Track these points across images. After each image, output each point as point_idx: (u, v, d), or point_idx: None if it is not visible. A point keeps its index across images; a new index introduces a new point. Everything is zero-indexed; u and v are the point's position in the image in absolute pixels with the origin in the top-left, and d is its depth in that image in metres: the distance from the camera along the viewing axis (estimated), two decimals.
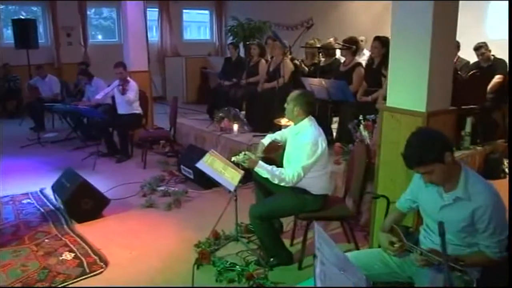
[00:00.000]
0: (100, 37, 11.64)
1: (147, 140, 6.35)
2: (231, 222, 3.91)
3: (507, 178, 5.74)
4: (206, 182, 4.91)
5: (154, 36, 11.65)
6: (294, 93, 3.39)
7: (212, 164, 3.65)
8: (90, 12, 11.00)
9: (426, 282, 2.23)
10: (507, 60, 6.13)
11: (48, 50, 10.20)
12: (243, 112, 6.50)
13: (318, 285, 1.38)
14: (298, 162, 3.17)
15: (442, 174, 2.12)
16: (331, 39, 7.27)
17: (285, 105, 3.38)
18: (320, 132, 3.29)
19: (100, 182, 5.06)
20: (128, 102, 6.31)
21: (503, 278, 2.29)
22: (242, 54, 8.75)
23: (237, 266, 3.39)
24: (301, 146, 3.21)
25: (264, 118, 5.69)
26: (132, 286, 3.22)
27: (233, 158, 3.36)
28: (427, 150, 2.07)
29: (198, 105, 9.37)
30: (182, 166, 5.43)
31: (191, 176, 5.24)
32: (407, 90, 3.00)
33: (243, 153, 3.29)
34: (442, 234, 1.75)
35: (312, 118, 3.34)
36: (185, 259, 3.58)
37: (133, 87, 6.34)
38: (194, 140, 6.70)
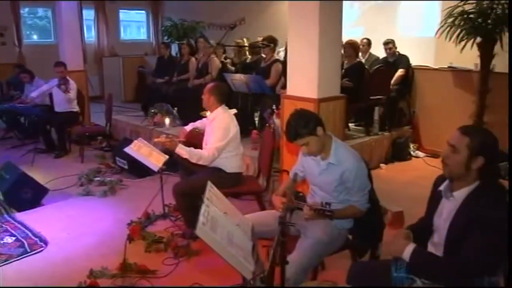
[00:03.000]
0: (35, 37, 11.62)
1: (84, 135, 6.66)
2: (161, 205, 4.40)
3: (413, 159, 6.53)
4: (139, 171, 5.36)
5: (91, 36, 11.77)
6: (209, 85, 3.91)
7: (139, 149, 4.11)
8: (24, 11, 10.97)
9: (309, 232, 2.77)
10: (409, 56, 6.90)
11: None
12: (176, 108, 6.94)
13: (201, 219, 1.88)
14: (213, 144, 3.70)
15: (317, 145, 2.68)
16: (260, 38, 7.82)
17: (202, 96, 3.88)
18: (232, 118, 3.82)
19: (39, 176, 5.33)
20: (69, 101, 6.62)
21: (369, 227, 2.90)
22: (178, 53, 9.16)
23: (164, 239, 3.89)
24: (215, 130, 3.73)
25: (193, 112, 6.13)
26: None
27: (155, 140, 3.84)
28: (302, 126, 2.62)
29: (136, 103, 9.63)
30: (117, 158, 5.82)
31: (126, 167, 5.64)
32: (302, 81, 3.57)
33: (164, 135, 3.76)
34: (293, 181, 2.29)
35: (225, 106, 3.87)
36: (119, 236, 4.01)
37: (73, 85, 6.67)
38: (130, 135, 7.07)
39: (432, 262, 2.11)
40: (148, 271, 3.43)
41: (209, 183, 2.20)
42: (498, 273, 1.95)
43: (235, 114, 4.84)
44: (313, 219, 2.67)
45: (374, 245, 2.92)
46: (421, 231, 2.34)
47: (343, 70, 6.07)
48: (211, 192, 2.14)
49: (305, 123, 2.62)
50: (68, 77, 6.66)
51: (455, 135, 2.08)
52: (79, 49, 7.81)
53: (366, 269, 2.41)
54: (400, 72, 6.66)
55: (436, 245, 2.23)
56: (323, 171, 2.77)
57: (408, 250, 2.10)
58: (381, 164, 6.13)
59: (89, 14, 11.41)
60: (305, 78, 3.50)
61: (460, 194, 2.10)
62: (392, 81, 6.57)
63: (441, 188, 2.22)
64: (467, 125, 2.12)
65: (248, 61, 6.85)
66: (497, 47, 5.79)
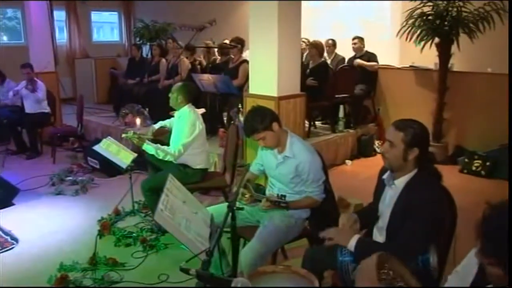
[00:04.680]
0: (5, 38, 11.51)
1: (56, 136, 6.72)
2: (131, 202, 4.54)
3: (377, 156, 6.77)
4: (111, 170, 5.47)
5: (63, 37, 11.74)
6: (178, 85, 4.08)
7: (108, 147, 4.25)
8: None
9: (267, 221, 2.95)
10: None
11: None
12: (147, 109, 7.05)
13: (159, 206, 2.04)
14: (179, 140, 3.86)
15: (273, 140, 2.87)
16: (227, 39, 7.99)
17: (170, 94, 4.03)
18: (198, 116, 3.99)
19: (10, 177, 5.36)
20: (37, 101, 6.67)
21: (325, 216, 3.09)
22: (149, 54, 9.25)
23: (134, 233, 4.03)
24: (182, 127, 3.90)
25: (164, 112, 6.25)
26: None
27: (123, 135, 3.98)
28: (258, 121, 2.80)
29: (109, 105, 9.67)
30: (89, 158, 5.91)
31: (97, 166, 5.75)
32: (263, 80, 3.76)
33: (132, 132, 3.90)
34: (244, 174, 2.47)
35: (192, 105, 4.03)
36: (90, 232, 4.14)
37: (41, 86, 6.73)
38: (102, 135, 7.13)
39: (374, 249, 2.30)
40: (117, 264, 3.57)
41: (170, 175, 2.36)
42: (430, 251, 2.15)
43: (204, 114, 5.01)
44: (271, 209, 2.85)
45: None
46: (368, 217, 2.55)
47: (308, 70, 6.30)
48: (172, 183, 2.30)
49: (261, 119, 2.80)
50: (36, 78, 6.72)
51: (391, 130, 2.28)
52: (49, 50, 7.85)
53: (317, 254, 2.59)
54: (374, 63, 6.90)
55: (380, 229, 2.43)
56: (280, 164, 2.95)
57: (352, 242, 2.28)
58: (347, 160, 6.35)
59: (60, 15, 11.38)
60: (266, 77, 3.69)
61: (400, 182, 2.31)
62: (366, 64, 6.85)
63: (384, 177, 2.42)
64: (400, 120, 2.30)
65: (217, 61, 7.02)
66: (454, 47, 6.09)
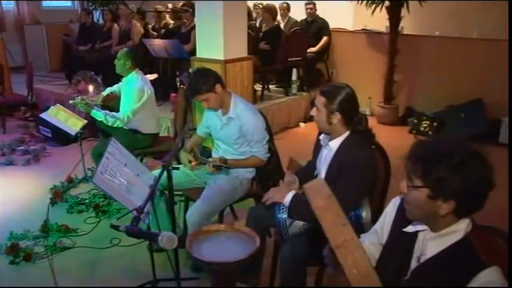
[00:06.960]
0: None
1: (5, 105, 6.56)
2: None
3: None
4: (63, 139, 5.41)
5: (10, 2, 11.23)
6: (124, 50, 4.03)
7: (56, 115, 4.20)
8: None
9: (212, 182, 3.03)
10: (329, 19, 7.20)
11: None
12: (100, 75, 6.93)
13: (99, 169, 2.08)
14: (128, 106, 3.85)
15: (215, 101, 2.91)
16: (179, 4, 7.86)
17: (116, 61, 3.99)
18: (146, 82, 3.98)
19: None
20: None
21: (270, 176, 3.18)
22: (101, 19, 9.01)
23: (86, 200, 4.05)
24: (130, 93, 3.88)
25: (117, 78, 6.18)
26: None
27: (70, 101, 3.95)
28: (201, 83, 2.84)
29: (62, 72, 9.43)
30: (40, 127, 5.82)
31: (50, 135, 5.67)
32: (209, 44, 3.77)
33: (79, 98, 3.88)
34: (180, 137, 2.52)
35: (139, 70, 4.00)
36: (42, 200, 4.13)
37: None
38: (54, 104, 6.98)
39: (308, 205, 2.41)
40: (70, 230, 3.61)
41: (113, 139, 2.38)
42: (363, 206, 2.27)
43: (156, 79, 4.99)
44: (215, 173, 2.93)
45: None
46: (307, 175, 2.66)
47: (261, 34, 6.31)
48: (114, 147, 2.33)
49: (204, 81, 2.84)
50: None
51: (317, 96, 2.36)
52: None
53: (260, 212, 2.69)
54: (324, 40, 6.98)
55: None
56: (224, 125, 3.00)
57: (288, 197, 2.37)
58: (300, 123, 6.48)
59: None
60: (212, 41, 3.71)
61: (334, 143, 2.40)
62: (317, 48, 6.89)
63: (321, 137, 2.52)
64: (327, 85, 2.40)
65: (170, 26, 6.93)
66: (404, 11, 6.21)
